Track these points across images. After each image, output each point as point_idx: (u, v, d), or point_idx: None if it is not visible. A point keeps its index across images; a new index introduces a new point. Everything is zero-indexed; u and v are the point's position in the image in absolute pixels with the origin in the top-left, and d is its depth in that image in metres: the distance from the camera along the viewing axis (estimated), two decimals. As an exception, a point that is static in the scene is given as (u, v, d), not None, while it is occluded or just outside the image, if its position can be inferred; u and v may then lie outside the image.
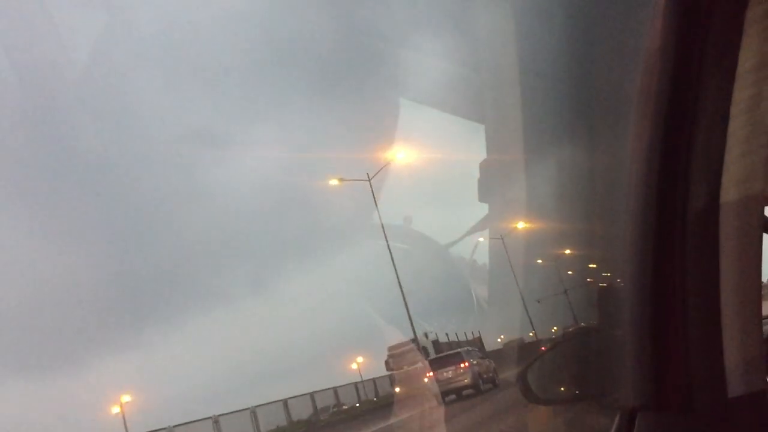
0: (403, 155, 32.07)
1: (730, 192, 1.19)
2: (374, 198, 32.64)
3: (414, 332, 31.74)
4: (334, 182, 33.81)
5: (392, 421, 21.37)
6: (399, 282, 29.37)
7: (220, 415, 24.09)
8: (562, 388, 1.82)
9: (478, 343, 36.97)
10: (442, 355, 25.40)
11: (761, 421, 1.20)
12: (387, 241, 31.19)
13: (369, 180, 32.69)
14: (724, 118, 1.16)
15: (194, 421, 23.10)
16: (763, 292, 1.26)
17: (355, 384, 34.94)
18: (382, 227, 32.18)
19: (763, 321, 1.28)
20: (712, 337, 1.21)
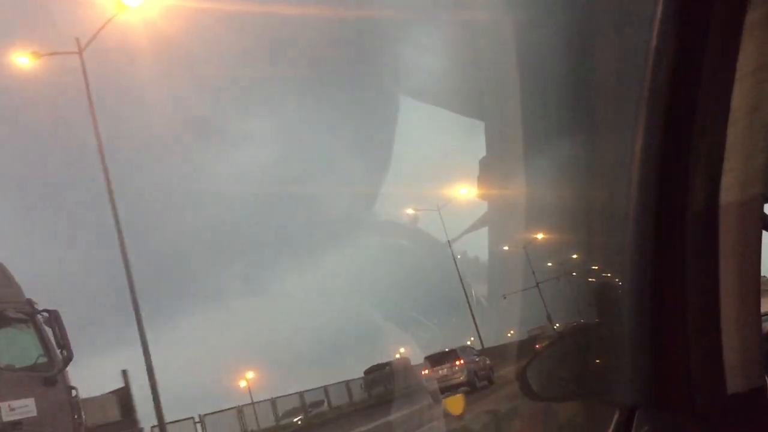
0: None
1: (729, 190, 1.20)
2: (86, 83, 19.91)
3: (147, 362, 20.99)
4: (22, 59, 19.54)
5: (387, 418, 21.40)
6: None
7: (205, 414, 23.67)
8: (562, 385, 1.83)
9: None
10: (438, 352, 25.44)
11: (760, 418, 1.22)
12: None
13: (79, 52, 19.52)
14: (724, 118, 1.17)
15: (175, 422, 22.62)
16: (762, 289, 1.28)
17: (347, 383, 34.58)
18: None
19: (762, 318, 1.29)
20: (711, 334, 1.22)
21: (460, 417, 16.06)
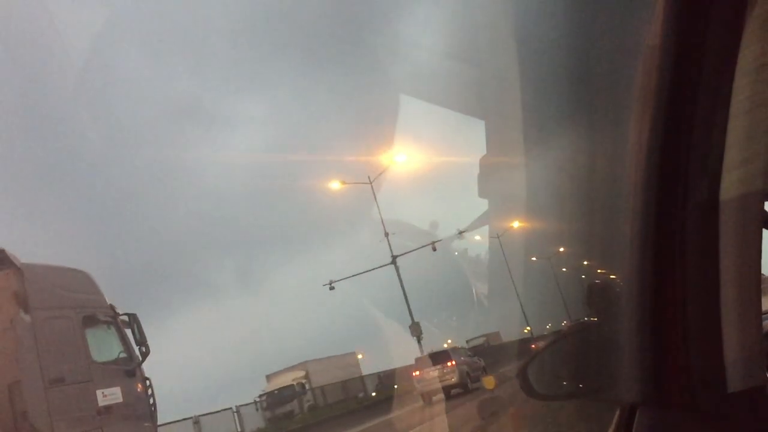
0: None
1: (730, 187, 1.22)
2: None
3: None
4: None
5: (379, 420, 21.36)
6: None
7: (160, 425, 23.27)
8: (563, 384, 1.85)
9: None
10: (430, 353, 25.37)
11: (761, 417, 1.24)
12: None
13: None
14: (724, 115, 1.20)
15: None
16: (762, 287, 1.29)
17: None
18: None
19: (763, 316, 1.31)
20: (712, 332, 1.24)
21: (459, 417, 16.03)
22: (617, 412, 1.42)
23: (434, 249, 33.94)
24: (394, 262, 35.14)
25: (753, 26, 1.14)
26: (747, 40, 1.15)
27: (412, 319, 33.41)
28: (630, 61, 1.41)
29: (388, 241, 34.54)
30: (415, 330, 33.39)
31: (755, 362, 1.24)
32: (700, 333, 1.26)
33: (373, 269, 34.83)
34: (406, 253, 34.51)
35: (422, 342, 32.07)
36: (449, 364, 23.78)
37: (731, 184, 1.22)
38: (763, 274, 1.38)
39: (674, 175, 1.24)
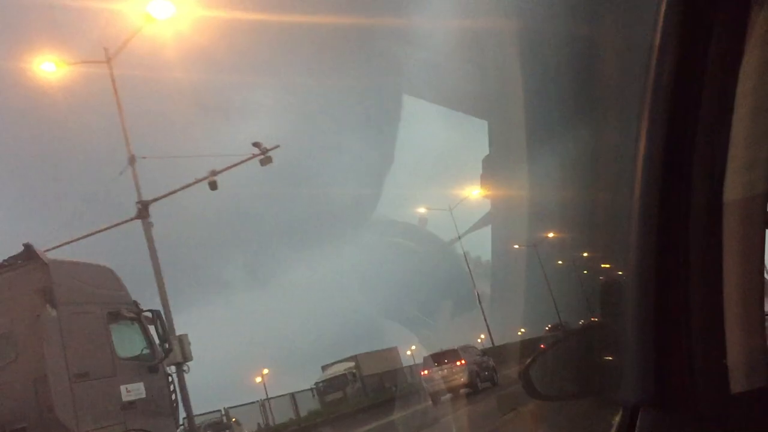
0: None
1: (733, 188, 1.22)
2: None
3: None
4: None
5: (384, 421, 21.36)
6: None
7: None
8: (565, 384, 1.85)
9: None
10: (438, 352, 25.15)
11: (764, 418, 1.23)
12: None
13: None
14: (728, 117, 1.19)
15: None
16: (765, 289, 1.29)
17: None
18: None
19: (766, 318, 1.31)
20: (715, 333, 1.23)
21: (462, 417, 16.04)
22: (619, 413, 1.41)
23: (214, 187, 20.27)
24: (142, 213, 19.22)
25: (757, 30, 1.13)
26: (750, 44, 1.14)
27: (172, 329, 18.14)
28: (634, 63, 1.41)
29: (134, 172, 19.47)
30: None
31: (758, 364, 1.24)
32: (703, 334, 1.25)
33: (112, 226, 20.15)
34: (162, 196, 19.88)
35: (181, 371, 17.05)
36: (459, 363, 23.52)
37: (735, 186, 1.22)
38: (766, 276, 1.37)
39: (678, 177, 1.23)
